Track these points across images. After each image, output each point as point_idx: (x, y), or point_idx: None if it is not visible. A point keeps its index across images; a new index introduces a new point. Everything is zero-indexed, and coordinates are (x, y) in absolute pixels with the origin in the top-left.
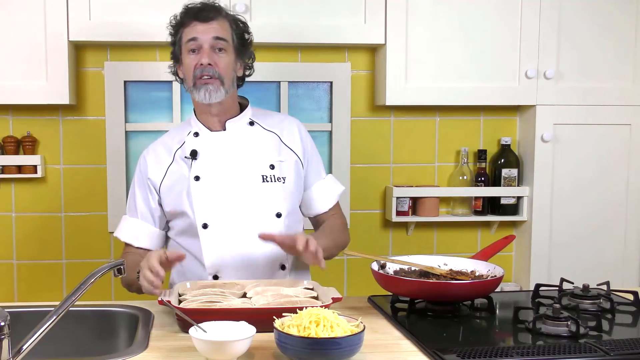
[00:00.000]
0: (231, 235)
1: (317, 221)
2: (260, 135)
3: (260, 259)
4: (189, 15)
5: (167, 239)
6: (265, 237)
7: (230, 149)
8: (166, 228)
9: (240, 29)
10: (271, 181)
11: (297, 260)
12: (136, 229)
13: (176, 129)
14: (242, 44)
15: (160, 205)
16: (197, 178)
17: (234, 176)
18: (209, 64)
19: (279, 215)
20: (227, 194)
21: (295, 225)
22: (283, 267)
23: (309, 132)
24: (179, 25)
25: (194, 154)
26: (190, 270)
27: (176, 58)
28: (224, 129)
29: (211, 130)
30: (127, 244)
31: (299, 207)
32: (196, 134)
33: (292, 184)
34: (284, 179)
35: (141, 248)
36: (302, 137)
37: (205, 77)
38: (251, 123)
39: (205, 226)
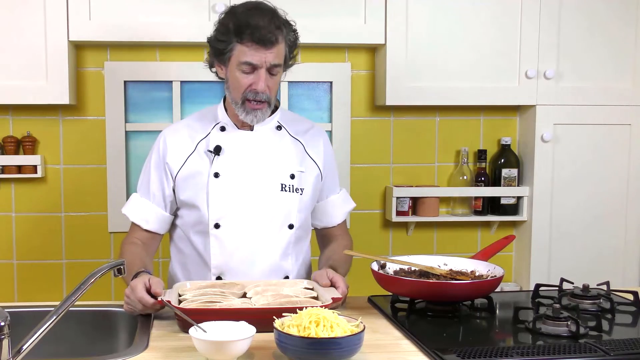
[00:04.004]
0: (241, 240)
1: (322, 234)
2: (286, 142)
3: (265, 268)
4: (248, 34)
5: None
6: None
7: (254, 151)
8: (175, 213)
9: (292, 43)
10: (289, 191)
11: (303, 273)
12: (147, 212)
13: (202, 114)
14: (291, 56)
15: (174, 191)
16: (216, 175)
17: (253, 180)
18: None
19: (291, 226)
20: (243, 197)
21: (304, 236)
22: (286, 278)
23: None
24: (234, 35)
25: (217, 150)
26: (194, 269)
27: (221, 60)
28: (251, 129)
29: (238, 128)
30: (134, 224)
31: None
32: (222, 129)
33: (309, 196)
34: (302, 190)
35: (148, 231)
36: (326, 150)
37: (257, 102)
38: (279, 127)
39: (217, 226)
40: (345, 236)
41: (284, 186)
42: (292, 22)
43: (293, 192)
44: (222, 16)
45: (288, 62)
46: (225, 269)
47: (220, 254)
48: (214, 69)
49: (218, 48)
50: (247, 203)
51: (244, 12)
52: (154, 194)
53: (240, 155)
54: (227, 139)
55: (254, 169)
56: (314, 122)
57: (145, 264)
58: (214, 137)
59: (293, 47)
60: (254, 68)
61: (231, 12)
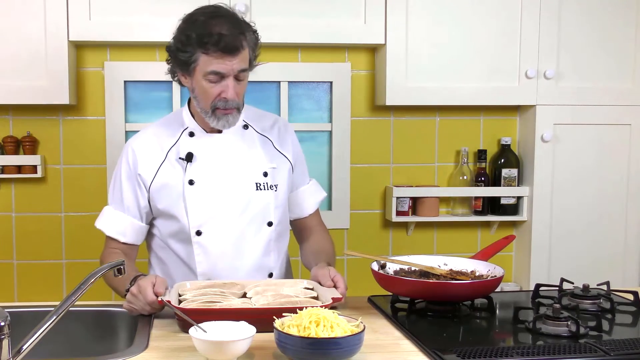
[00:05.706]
0: (225, 244)
1: (297, 226)
2: (254, 141)
3: (249, 268)
4: (213, 44)
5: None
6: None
7: (225, 154)
8: (150, 222)
9: (255, 45)
10: (264, 189)
11: (284, 269)
12: (123, 225)
13: (166, 121)
14: (255, 56)
15: (149, 201)
16: (191, 182)
17: (228, 183)
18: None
19: (270, 224)
20: (221, 201)
21: (284, 232)
22: (271, 275)
23: (308, 132)
24: (197, 45)
25: (189, 157)
26: (178, 276)
27: (185, 70)
28: (220, 132)
29: (206, 132)
30: (110, 238)
31: None
32: (191, 134)
33: (284, 192)
34: (276, 186)
35: (126, 244)
36: (293, 141)
37: (227, 109)
38: (245, 126)
39: (199, 233)
40: (322, 226)
41: (258, 185)
42: (251, 23)
43: (268, 189)
44: (181, 24)
45: (252, 64)
46: (212, 275)
47: (206, 261)
48: (176, 78)
49: (181, 59)
50: (225, 206)
51: (205, 20)
52: (129, 206)
53: (213, 160)
54: (198, 145)
55: (227, 172)
56: (277, 114)
57: (135, 270)
58: (184, 144)
59: (255, 48)
60: (221, 77)
61: (191, 20)
